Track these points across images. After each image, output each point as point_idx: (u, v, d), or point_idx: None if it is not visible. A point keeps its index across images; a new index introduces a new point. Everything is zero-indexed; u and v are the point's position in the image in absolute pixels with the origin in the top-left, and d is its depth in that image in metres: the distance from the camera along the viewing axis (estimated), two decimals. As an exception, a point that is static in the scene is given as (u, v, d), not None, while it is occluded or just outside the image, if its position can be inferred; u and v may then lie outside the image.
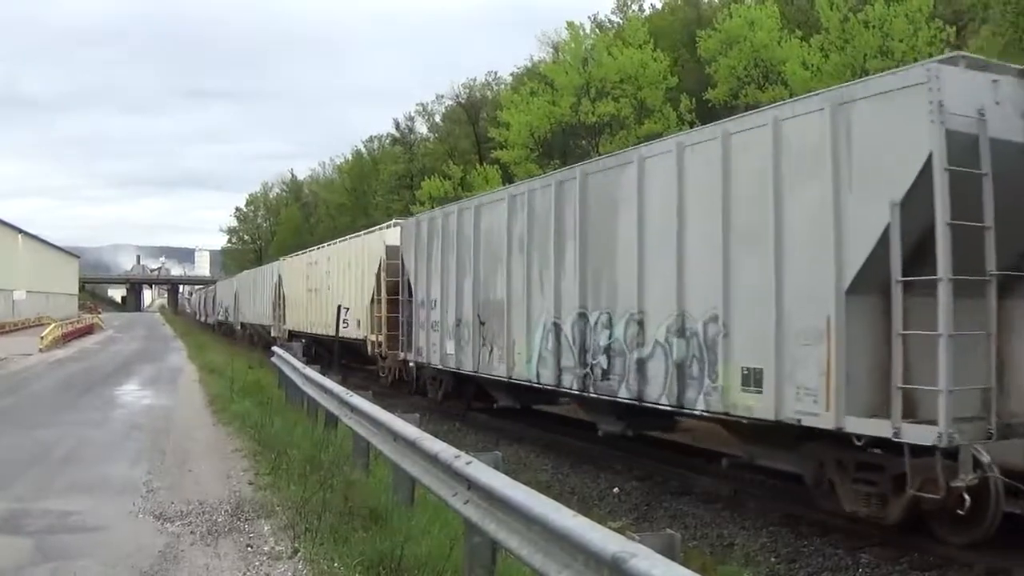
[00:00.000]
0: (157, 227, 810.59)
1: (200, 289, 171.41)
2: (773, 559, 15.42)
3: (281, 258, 68.35)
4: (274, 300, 65.01)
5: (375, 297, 40.17)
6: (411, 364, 35.41)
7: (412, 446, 13.63)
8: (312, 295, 53.27)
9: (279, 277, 64.35)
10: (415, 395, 35.68)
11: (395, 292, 37.29)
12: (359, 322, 42.95)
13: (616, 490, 20.68)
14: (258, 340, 71.15)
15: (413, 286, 34.78)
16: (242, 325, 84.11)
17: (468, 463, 11.20)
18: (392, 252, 38.15)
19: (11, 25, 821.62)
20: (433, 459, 12.51)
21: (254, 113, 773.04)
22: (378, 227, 45.47)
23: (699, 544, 16.30)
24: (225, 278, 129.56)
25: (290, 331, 57.31)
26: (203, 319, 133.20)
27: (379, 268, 39.69)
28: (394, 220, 45.01)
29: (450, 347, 30.56)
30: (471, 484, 10.92)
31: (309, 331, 51.92)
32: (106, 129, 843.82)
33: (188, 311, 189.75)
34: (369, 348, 41.29)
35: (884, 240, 14.05)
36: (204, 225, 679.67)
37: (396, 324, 36.99)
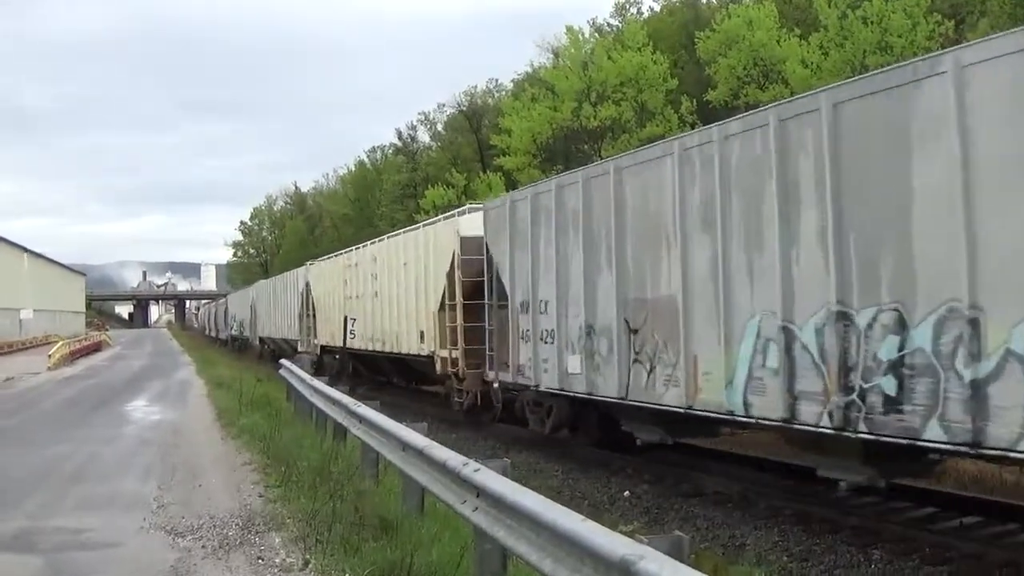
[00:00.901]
0: (162, 242, 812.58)
1: (207, 303, 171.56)
2: (785, 558, 15.39)
3: (309, 263, 60.35)
4: (301, 311, 57.98)
5: (445, 302, 32.17)
6: (496, 386, 27.96)
7: (420, 455, 13.66)
8: (354, 303, 44.79)
9: (307, 284, 57.17)
10: (500, 423, 30.63)
11: (474, 295, 30.05)
12: (422, 334, 34.76)
13: (627, 494, 20.62)
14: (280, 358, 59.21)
15: (508, 286, 26.82)
16: (261, 340, 77.69)
17: (476, 470, 11.21)
18: (470, 245, 30.47)
19: (7, 41, 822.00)
20: (441, 467, 12.53)
21: (255, 125, 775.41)
22: (446, 215, 37.83)
23: (711, 545, 16.27)
24: (234, 290, 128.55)
25: (323, 347, 51.78)
26: (212, 334, 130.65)
27: (452, 266, 31.86)
28: (469, 205, 38.60)
29: (574, 364, 23.05)
30: (480, 491, 10.93)
31: (350, 346, 44.13)
32: (107, 145, 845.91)
33: (196, 326, 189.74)
34: (438, 366, 33.01)
35: None
36: (209, 239, 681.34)
37: (478, 335, 29.54)
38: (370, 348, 42.29)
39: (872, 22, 51.24)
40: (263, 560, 13.51)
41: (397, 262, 38.90)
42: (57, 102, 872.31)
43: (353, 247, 49.87)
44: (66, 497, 18.79)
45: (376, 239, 46.40)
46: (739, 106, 52.14)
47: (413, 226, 42.31)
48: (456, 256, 31.42)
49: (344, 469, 18.52)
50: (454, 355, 31.49)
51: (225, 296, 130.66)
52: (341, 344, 45.10)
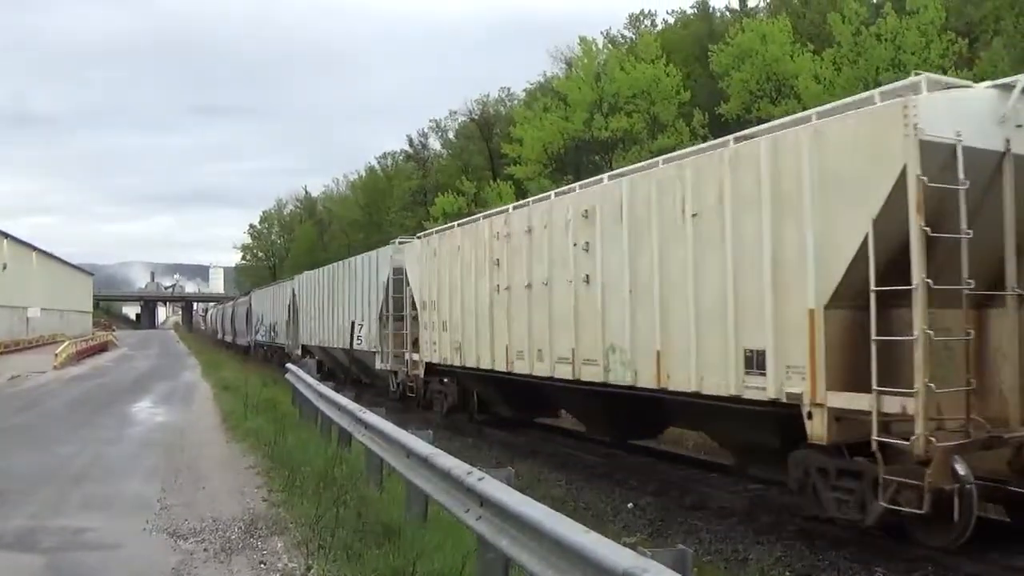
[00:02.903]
0: (170, 244, 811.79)
1: (216, 306, 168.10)
2: (788, 573, 15.33)
3: (398, 240, 41.38)
4: (383, 311, 40.02)
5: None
6: None
7: (425, 462, 13.64)
8: (519, 298, 26.48)
9: (394, 271, 38.50)
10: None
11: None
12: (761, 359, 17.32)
13: (631, 505, 20.56)
14: (347, 379, 46.68)
15: None
16: (306, 351, 56.31)
17: (480, 479, 11.20)
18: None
19: (18, 43, 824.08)
20: (446, 475, 12.52)
21: (265, 129, 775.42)
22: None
23: (714, 559, 16.21)
24: (243, 293, 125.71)
25: (436, 365, 33.43)
26: (227, 339, 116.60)
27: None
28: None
29: None
30: (483, 500, 10.91)
31: (520, 371, 26.51)
32: (117, 146, 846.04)
33: (203, 329, 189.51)
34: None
35: None
36: (217, 242, 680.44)
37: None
38: (566, 375, 23.83)
39: (886, 39, 51.34)
40: (265, 565, 13.50)
41: (670, 211, 19.68)
42: (67, 103, 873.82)
43: (508, 206, 30.89)
44: (70, 497, 18.81)
45: (566, 188, 27.19)
46: (751, 120, 52.17)
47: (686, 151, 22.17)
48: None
49: (348, 475, 18.54)
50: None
51: (246, 294, 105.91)
52: (474, 364, 29.73)
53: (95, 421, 32.88)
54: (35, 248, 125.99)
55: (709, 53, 64.16)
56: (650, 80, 64.64)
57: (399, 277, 38.08)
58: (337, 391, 24.75)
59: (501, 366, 27.52)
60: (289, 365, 37.58)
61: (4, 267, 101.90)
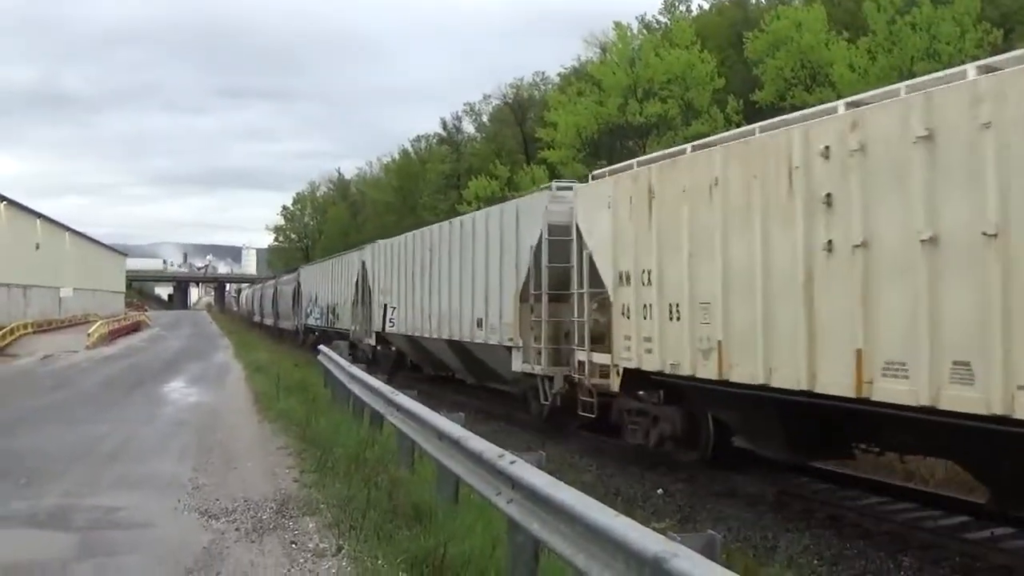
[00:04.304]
0: (203, 225, 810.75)
1: (251, 286, 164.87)
2: (816, 561, 15.38)
3: (553, 184, 30.71)
4: (526, 288, 28.29)
5: None
6: None
7: (456, 445, 13.68)
8: (922, 260, 13.68)
9: (549, 231, 27.19)
10: None
11: None
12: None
13: (660, 491, 20.65)
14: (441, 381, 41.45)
15: None
16: (385, 343, 46.42)
17: (512, 462, 11.23)
18: None
19: (50, 24, 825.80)
20: (477, 458, 12.56)
21: (297, 112, 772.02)
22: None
23: (742, 546, 16.19)
24: (274, 274, 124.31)
25: (649, 374, 21.73)
26: (263, 321, 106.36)
27: None
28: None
29: None
30: (515, 483, 10.94)
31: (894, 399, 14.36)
32: (149, 127, 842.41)
33: (236, 310, 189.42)
34: None
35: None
36: (250, 224, 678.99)
37: None
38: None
39: (921, 28, 51.23)
40: (296, 544, 13.57)
41: None
42: (99, 84, 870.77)
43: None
44: (102, 476, 18.94)
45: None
46: (785, 107, 51.96)
47: None
48: None
49: (380, 457, 18.63)
50: None
51: (292, 271, 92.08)
52: (749, 379, 17.75)
53: (127, 401, 33.11)
54: (68, 228, 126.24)
55: (744, 40, 63.99)
56: (684, 66, 64.58)
57: (560, 238, 26.42)
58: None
59: (841, 387, 15.28)
60: (321, 347, 37.53)
61: (37, 247, 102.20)
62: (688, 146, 21.70)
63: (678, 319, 19.92)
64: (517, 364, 28.60)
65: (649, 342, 21.04)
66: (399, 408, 18.73)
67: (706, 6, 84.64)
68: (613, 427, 24.22)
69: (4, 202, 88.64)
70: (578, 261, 25.03)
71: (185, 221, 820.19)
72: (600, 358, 23.71)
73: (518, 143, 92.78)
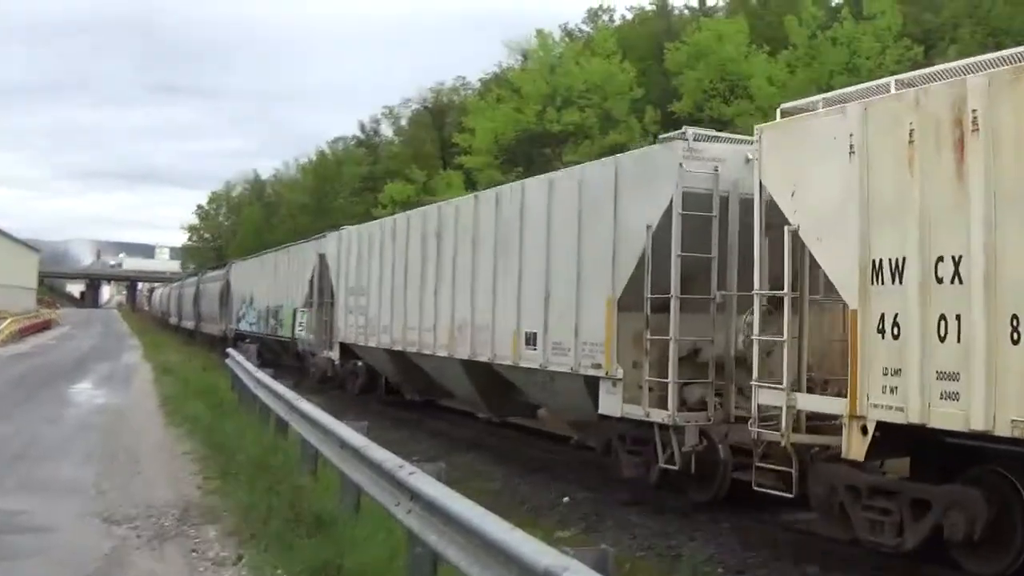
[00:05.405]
0: (118, 222, 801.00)
1: (164, 286, 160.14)
2: (720, 570, 15.46)
3: (720, 136, 20.51)
4: (630, 287, 18.99)
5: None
6: None
7: (358, 454, 13.66)
8: None
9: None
10: None
11: None
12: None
13: (567, 499, 20.59)
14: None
15: None
16: (347, 352, 37.00)
17: (411, 473, 11.26)
18: None
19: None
20: (378, 468, 12.56)
21: (220, 110, 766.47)
22: None
23: (647, 555, 16.30)
24: (186, 275, 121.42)
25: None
26: (181, 323, 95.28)
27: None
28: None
29: None
30: (414, 495, 10.97)
31: None
32: (64, 121, 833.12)
33: (147, 309, 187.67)
34: None
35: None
36: (165, 222, 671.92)
37: None
38: None
39: (841, 43, 51.63)
40: (197, 553, 13.56)
41: None
42: (23, 74, 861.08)
43: None
44: (5, 479, 18.84)
45: None
46: (703, 119, 52.32)
47: None
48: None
49: (283, 463, 18.54)
50: None
51: (221, 266, 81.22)
52: None
53: (35, 401, 32.81)
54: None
55: (665, 50, 64.24)
56: (604, 75, 64.63)
57: (699, 213, 18.17)
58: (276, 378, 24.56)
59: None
60: (230, 350, 37.21)
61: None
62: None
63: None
64: (610, 404, 19.47)
65: (952, 380, 12.82)
66: (302, 415, 18.68)
67: (629, 16, 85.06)
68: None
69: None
70: (760, 245, 16.34)
71: (101, 217, 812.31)
72: (820, 404, 15.33)
73: (436, 147, 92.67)
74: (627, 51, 67.82)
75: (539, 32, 71.50)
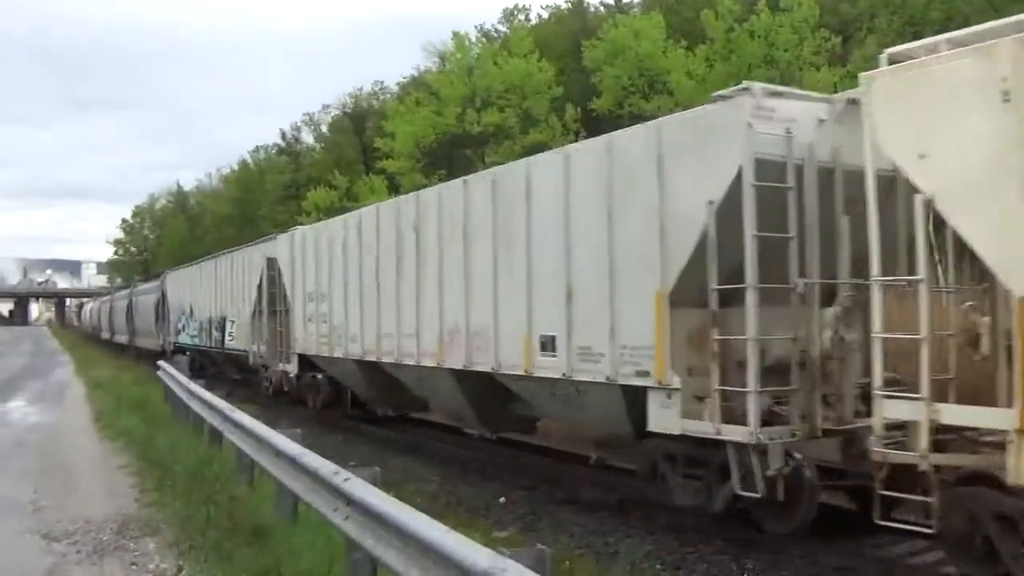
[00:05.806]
0: (43, 240, 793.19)
1: (93, 301, 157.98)
2: (658, 566, 15.48)
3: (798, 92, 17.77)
4: (684, 278, 15.82)
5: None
6: None
7: (293, 463, 13.75)
8: None
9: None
10: None
11: None
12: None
13: (503, 500, 20.68)
14: None
15: None
16: (307, 364, 33.42)
17: (346, 479, 11.35)
18: None
19: None
20: (314, 475, 12.65)
21: (138, 123, 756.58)
22: None
23: (584, 552, 16.34)
24: (116, 289, 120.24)
25: None
26: (114, 338, 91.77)
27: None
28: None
29: None
30: (349, 500, 11.07)
31: None
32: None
33: (76, 324, 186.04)
34: None
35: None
36: (89, 238, 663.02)
37: None
38: None
39: (759, 36, 52.00)
40: (137, 566, 13.57)
41: None
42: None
43: None
44: (-61, 500, 18.69)
45: None
46: (623, 116, 52.58)
47: None
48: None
49: (219, 474, 18.54)
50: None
51: (154, 277, 79.70)
52: None
53: (-35, 422, 32.55)
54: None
55: (582, 48, 64.43)
56: (522, 75, 64.78)
57: (773, 184, 15.03)
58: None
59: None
60: (161, 363, 36.99)
61: None
62: None
63: None
64: (664, 419, 16.33)
65: None
66: (236, 425, 18.72)
67: (545, 15, 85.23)
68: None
69: None
70: (873, 223, 13.31)
71: (25, 235, 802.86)
72: (976, 417, 12.28)
73: (357, 153, 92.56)
74: (544, 50, 68.07)
75: (455, 34, 71.74)
